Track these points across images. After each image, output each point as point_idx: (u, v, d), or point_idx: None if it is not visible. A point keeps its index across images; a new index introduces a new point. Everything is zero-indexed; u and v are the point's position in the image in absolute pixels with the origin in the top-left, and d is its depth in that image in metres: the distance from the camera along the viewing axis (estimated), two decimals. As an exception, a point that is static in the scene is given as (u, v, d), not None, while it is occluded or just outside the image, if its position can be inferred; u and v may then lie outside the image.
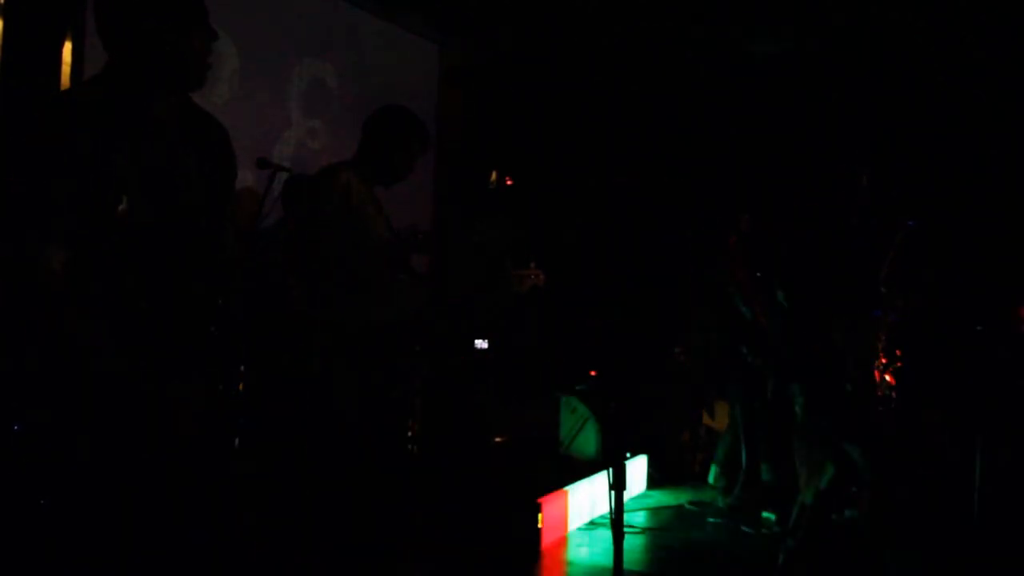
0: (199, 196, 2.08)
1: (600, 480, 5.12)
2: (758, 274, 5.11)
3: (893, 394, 3.15)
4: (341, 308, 3.16)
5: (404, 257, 3.35)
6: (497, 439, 4.72)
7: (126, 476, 1.90)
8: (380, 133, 3.36)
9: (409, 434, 4.10)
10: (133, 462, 1.91)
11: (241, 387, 3.62)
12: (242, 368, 3.57)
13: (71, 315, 1.88)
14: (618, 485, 2.69)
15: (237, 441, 3.63)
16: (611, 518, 2.65)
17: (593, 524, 4.92)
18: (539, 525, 4.37)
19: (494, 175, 3.72)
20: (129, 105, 2.00)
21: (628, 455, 5.51)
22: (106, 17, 2.00)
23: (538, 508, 4.39)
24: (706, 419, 6.08)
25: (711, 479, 5.69)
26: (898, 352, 3.22)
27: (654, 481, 5.90)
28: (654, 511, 5.32)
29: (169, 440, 1.96)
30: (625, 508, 2.69)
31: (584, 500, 4.94)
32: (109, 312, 1.91)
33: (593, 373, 5.88)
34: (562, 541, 4.58)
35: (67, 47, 3.88)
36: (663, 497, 5.65)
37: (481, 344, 5.18)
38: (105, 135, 1.93)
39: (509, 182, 3.54)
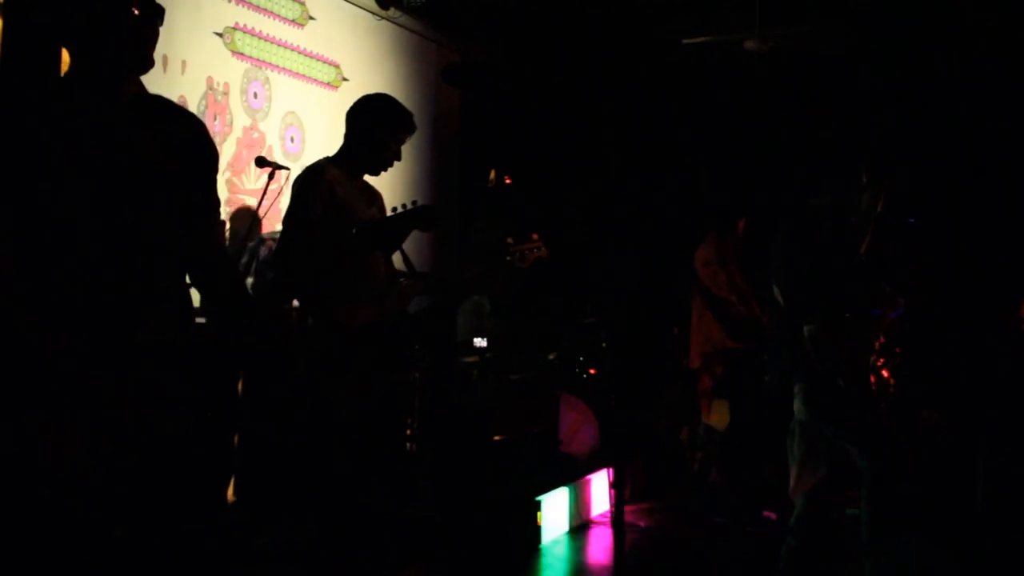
0: (156, 187, 1.99)
1: (600, 479, 5.12)
2: (756, 272, 5.10)
3: (892, 389, 3.14)
4: (335, 305, 3.14)
5: (405, 232, 3.23)
6: (497, 437, 4.71)
7: (70, 475, 1.85)
8: (361, 121, 3.33)
9: (409, 433, 4.10)
10: (72, 459, 1.85)
11: (240, 386, 3.62)
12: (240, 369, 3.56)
13: (9, 312, 1.84)
14: (618, 484, 2.69)
15: (236, 440, 3.63)
16: (611, 517, 2.65)
17: (593, 523, 4.93)
18: (539, 523, 4.38)
19: (493, 174, 3.71)
20: (73, 97, 1.95)
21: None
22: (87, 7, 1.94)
23: (538, 506, 4.39)
24: (706, 418, 6.06)
25: (711, 478, 5.67)
26: (897, 350, 3.20)
27: (654, 481, 5.89)
28: (654, 511, 5.33)
29: (128, 439, 1.90)
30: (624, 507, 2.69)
31: (584, 499, 4.94)
32: (48, 308, 1.86)
33: (593, 371, 5.88)
34: (562, 540, 4.59)
35: (66, 47, 3.87)
36: (663, 497, 5.65)
37: (481, 343, 5.17)
38: (42, 127, 1.89)
39: (508, 181, 3.53)
